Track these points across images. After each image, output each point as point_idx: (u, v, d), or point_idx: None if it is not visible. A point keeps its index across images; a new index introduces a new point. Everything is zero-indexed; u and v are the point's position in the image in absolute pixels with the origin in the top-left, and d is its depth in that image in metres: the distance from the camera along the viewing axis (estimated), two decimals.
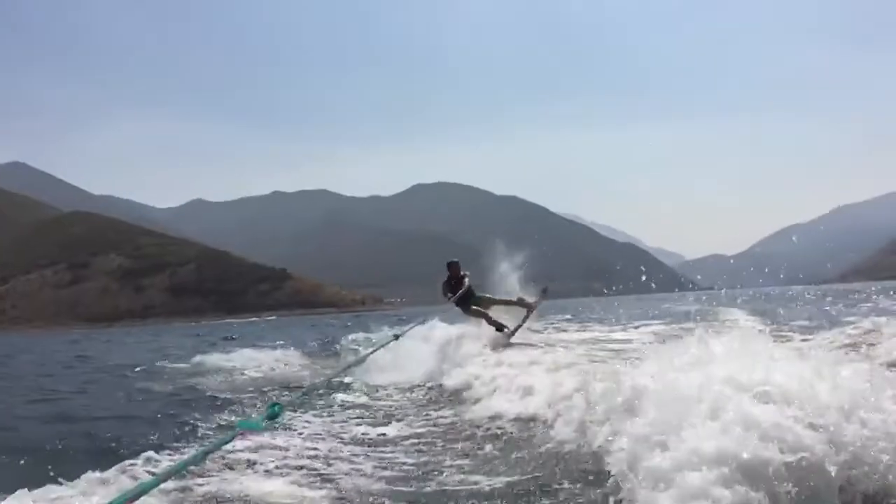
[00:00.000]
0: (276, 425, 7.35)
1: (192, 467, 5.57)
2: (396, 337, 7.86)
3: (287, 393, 10.72)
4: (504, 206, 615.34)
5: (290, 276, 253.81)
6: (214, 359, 17.47)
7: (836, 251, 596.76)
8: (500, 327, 14.56)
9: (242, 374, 14.52)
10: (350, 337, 24.24)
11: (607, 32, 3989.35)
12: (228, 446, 6.28)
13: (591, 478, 5.05)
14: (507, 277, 15.89)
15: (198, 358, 18.20)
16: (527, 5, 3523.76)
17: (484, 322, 14.68)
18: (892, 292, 33.18)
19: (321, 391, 10.00)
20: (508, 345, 13.52)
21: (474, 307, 14.95)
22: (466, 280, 15.13)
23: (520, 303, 15.30)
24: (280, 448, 6.60)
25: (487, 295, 15.42)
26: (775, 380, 4.53)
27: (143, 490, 2.25)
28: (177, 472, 2.46)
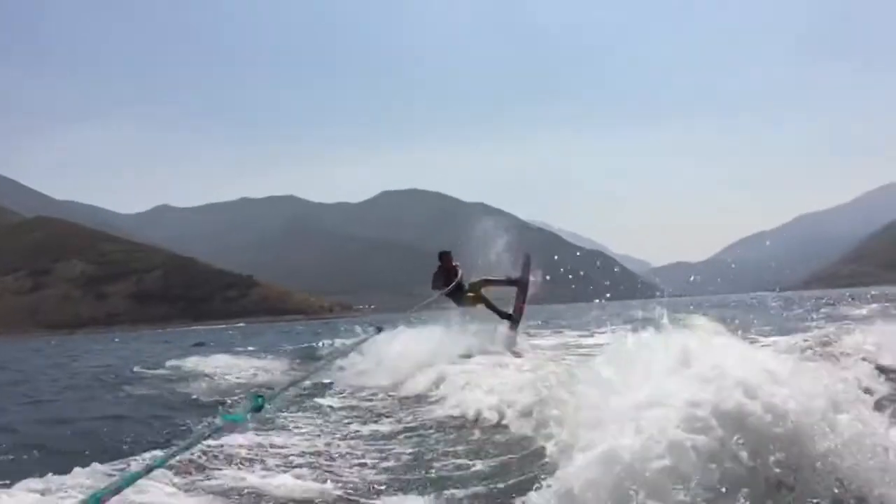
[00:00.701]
0: (265, 417, 7.66)
1: (190, 456, 5.85)
2: (379, 330, 7.99)
3: (270, 388, 10.90)
4: (472, 212, 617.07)
5: (257, 282, 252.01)
6: (192, 364, 17.40)
7: (798, 259, 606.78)
8: (503, 314, 14.25)
9: (225, 378, 14.57)
10: (322, 342, 24.32)
11: (574, 43, 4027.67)
12: (229, 441, 6.60)
13: (551, 446, 5.47)
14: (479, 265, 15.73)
15: (174, 363, 18.12)
16: (498, 12, 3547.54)
17: (471, 315, 14.46)
18: (850, 298, 34.24)
19: (305, 390, 10.24)
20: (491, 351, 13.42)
21: (470, 294, 14.52)
22: (460, 271, 14.64)
23: (509, 281, 14.98)
24: (278, 446, 6.88)
25: (476, 279, 15.00)
26: (757, 358, 4.50)
27: (127, 482, 2.20)
28: (160, 465, 2.41)
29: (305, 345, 25.61)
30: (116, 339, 63.80)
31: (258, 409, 3.00)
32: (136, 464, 6.11)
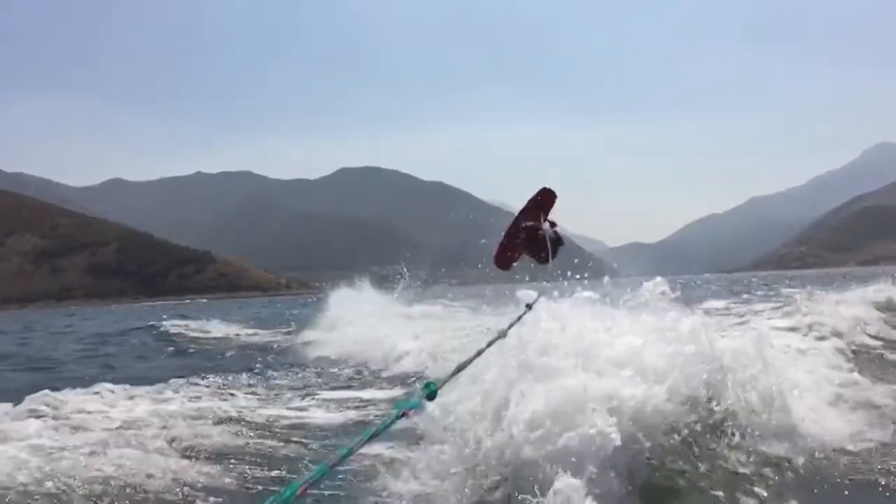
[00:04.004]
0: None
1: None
2: (529, 307, 6.83)
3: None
4: (430, 191, 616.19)
5: (214, 258, 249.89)
6: (193, 331, 18.68)
7: (750, 241, 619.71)
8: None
9: (238, 339, 16.00)
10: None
11: (535, 30, 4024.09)
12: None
13: None
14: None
15: (173, 329, 19.29)
16: None
17: None
18: (790, 280, 36.74)
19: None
20: None
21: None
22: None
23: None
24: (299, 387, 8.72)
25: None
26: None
27: (318, 476, 2.28)
28: (348, 455, 2.45)
29: (289, 317, 26.64)
30: (88, 314, 63.66)
31: (432, 396, 3.12)
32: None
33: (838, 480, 4.68)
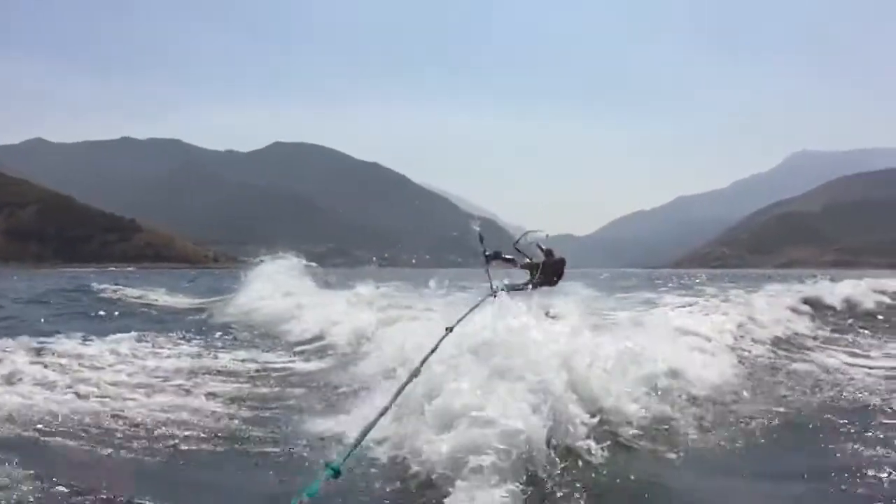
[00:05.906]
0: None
1: None
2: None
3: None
4: (365, 171, 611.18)
5: (140, 227, 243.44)
6: (136, 298, 18.98)
7: (674, 238, 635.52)
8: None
9: (187, 305, 16.50)
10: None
11: (478, 15, 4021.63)
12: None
13: None
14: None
15: (114, 294, 19.56)
16: None
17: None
18: (707, 277, 38.67)
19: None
20: None
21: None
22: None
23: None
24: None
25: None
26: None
27: None
28: None
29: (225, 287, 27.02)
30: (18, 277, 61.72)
31: (337, 474, 2.96)
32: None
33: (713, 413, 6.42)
